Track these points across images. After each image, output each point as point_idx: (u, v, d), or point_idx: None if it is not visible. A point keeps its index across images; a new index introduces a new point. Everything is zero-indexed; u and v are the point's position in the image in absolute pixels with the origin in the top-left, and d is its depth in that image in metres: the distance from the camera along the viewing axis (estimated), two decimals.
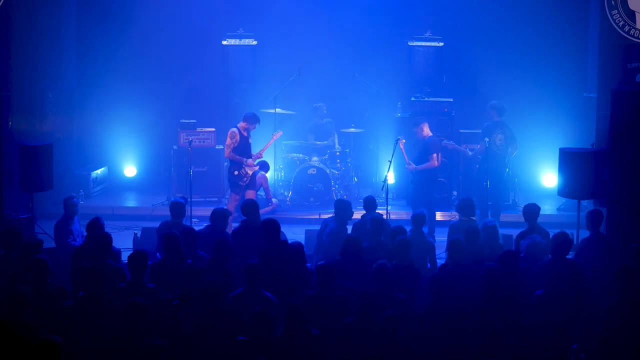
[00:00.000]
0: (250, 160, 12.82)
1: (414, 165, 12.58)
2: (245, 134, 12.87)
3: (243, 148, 12.86)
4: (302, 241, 10.18)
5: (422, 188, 12.60)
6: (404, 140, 12.63)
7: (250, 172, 12.84)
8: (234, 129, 12.87)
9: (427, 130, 12.84)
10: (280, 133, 13.58)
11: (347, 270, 8.73)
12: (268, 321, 7.15)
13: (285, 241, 9.44)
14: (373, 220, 9.95)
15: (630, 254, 8.69)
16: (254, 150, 13.05)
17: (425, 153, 12.63)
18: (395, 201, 14.06)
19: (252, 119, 12.87)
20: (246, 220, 10.17)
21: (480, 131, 13.34)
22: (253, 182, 12.99)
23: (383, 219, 10.41)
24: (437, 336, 7.60)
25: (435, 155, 12.61)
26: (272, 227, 9.31)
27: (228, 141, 12.84)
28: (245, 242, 9.71)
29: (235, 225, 12.54)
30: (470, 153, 13.86)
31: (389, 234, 9.66)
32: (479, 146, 13.32)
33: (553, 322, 7.59)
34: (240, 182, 12.81)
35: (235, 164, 12.82)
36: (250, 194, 12.82)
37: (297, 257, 9.02)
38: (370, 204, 10.80)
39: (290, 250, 9.12)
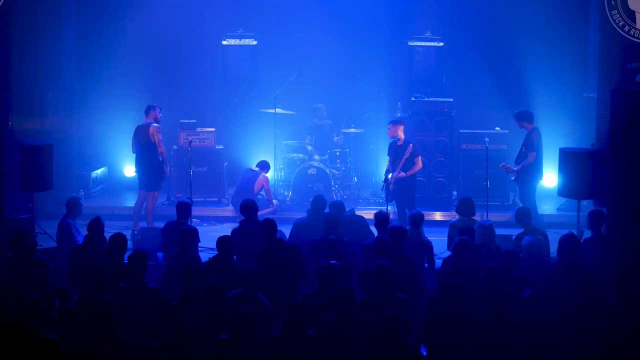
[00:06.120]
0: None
1: (404, 173, 12.29)
2: None
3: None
4: None
5: (408, 191, 12.40)
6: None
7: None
8: (157, 125, 12.89)
9: (402, 133, 12.49)
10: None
11: (329, 250, 9.05)
12: (251, 323, 7.16)
13: (282, 239, 9.52)
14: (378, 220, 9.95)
15: (615, 275, 8.44)
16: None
17: (405, 155, 12.23)
18: None
19: (159, 112, 13.03)
20: (245, 221, 10.18)
21: (527, 144, 12.42)
22: None
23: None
24: (437, 335, 7.61)
25: (420, 157, 12.50)
26: (269, 225, 9.40)
27: (160, 137, 12.85)
28: (244, 242, 9.74)
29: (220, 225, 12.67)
30: (514, 168, 12.46)
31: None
32: (527, 160, 12.27)
33: (562, 323, 7.59)
34: (162, 180, 13.04)
35: (162, 162, 12.92)
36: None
37: (293, 255, 9.15)
38: (382, 221, 9.97)
39: (287, 248, 9.21)
